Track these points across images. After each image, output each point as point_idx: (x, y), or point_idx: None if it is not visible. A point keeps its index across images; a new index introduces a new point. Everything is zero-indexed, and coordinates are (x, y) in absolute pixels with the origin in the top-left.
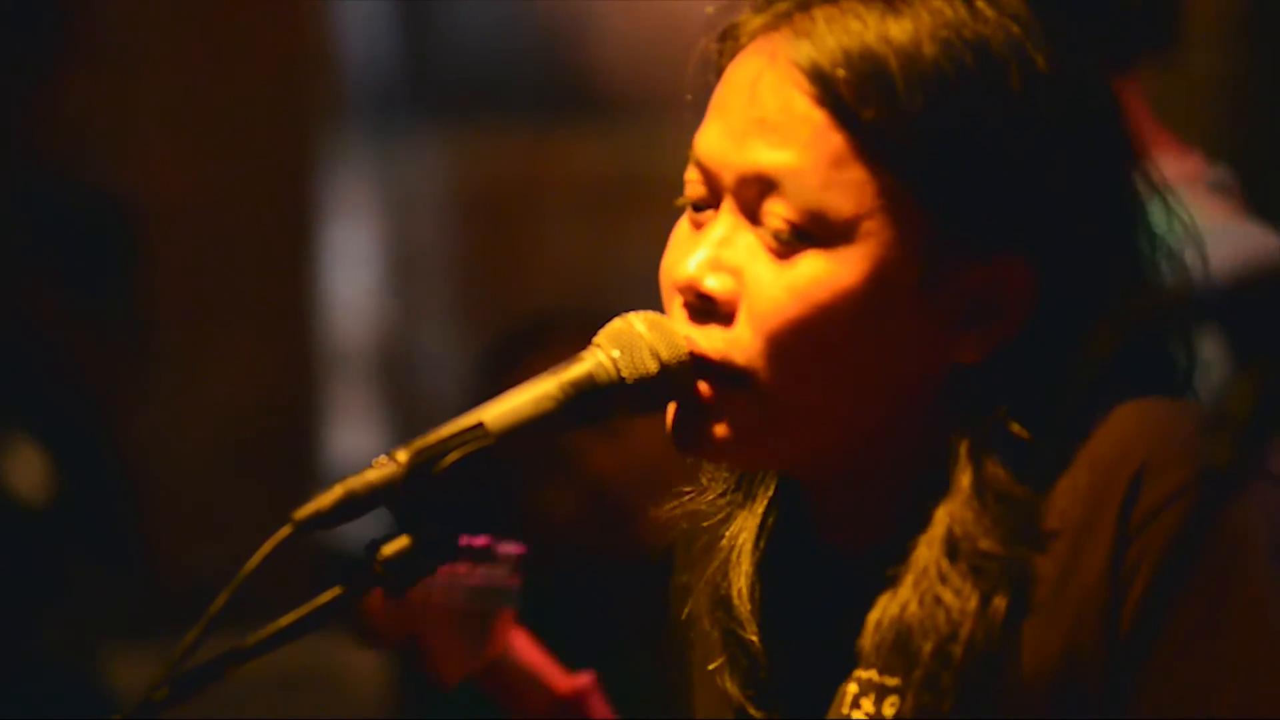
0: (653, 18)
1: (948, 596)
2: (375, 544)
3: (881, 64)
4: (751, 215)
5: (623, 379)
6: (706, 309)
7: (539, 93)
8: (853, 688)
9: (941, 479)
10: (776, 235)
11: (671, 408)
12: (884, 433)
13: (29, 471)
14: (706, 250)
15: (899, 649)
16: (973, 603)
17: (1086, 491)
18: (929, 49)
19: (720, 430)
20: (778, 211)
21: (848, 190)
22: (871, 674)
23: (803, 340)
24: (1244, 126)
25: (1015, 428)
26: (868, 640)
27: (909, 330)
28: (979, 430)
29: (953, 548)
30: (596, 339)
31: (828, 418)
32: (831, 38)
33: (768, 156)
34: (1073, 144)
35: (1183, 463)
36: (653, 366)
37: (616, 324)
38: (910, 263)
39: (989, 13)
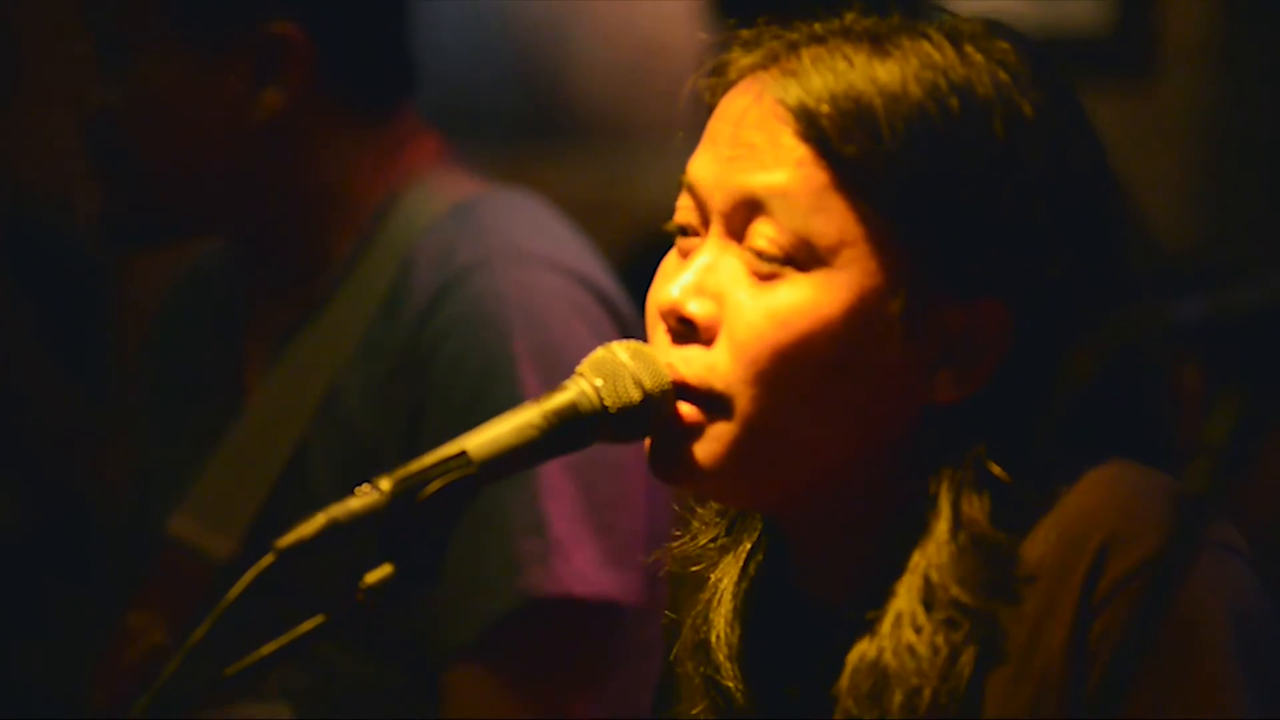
0: (628, 46)
1: (920, 647)
2: (358, 572)
3: (866, 103)
4: (738, 238)
5: (606, 408)
6: (687, 333)
7: (515, 120)
8: None
9: (917, 523)
10: (761, 257)
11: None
12: (858, 470)
13: (3, 504)
14: (691, 275)
15: (873, 696)
16: (942, 655)
17: (1054, 556)
18: (914, 90)
19: (698, 456)
20: (764, 233)
21: (831, 219)
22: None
23: (781, 366)
24: (1219, 152)
25: (993, 469)
26: (845, 684)
27: (886, 364)
28: (955, 472)
29: (929, 595)
30: (579, 368)
31: (803, 449)
32: (818, 78)
33: (757, 179)
34: (1056, 192)
35: (1148, 538)
36: (636, 395)
37: (599, 353)
38: (890, 296)
39: (977, 58)
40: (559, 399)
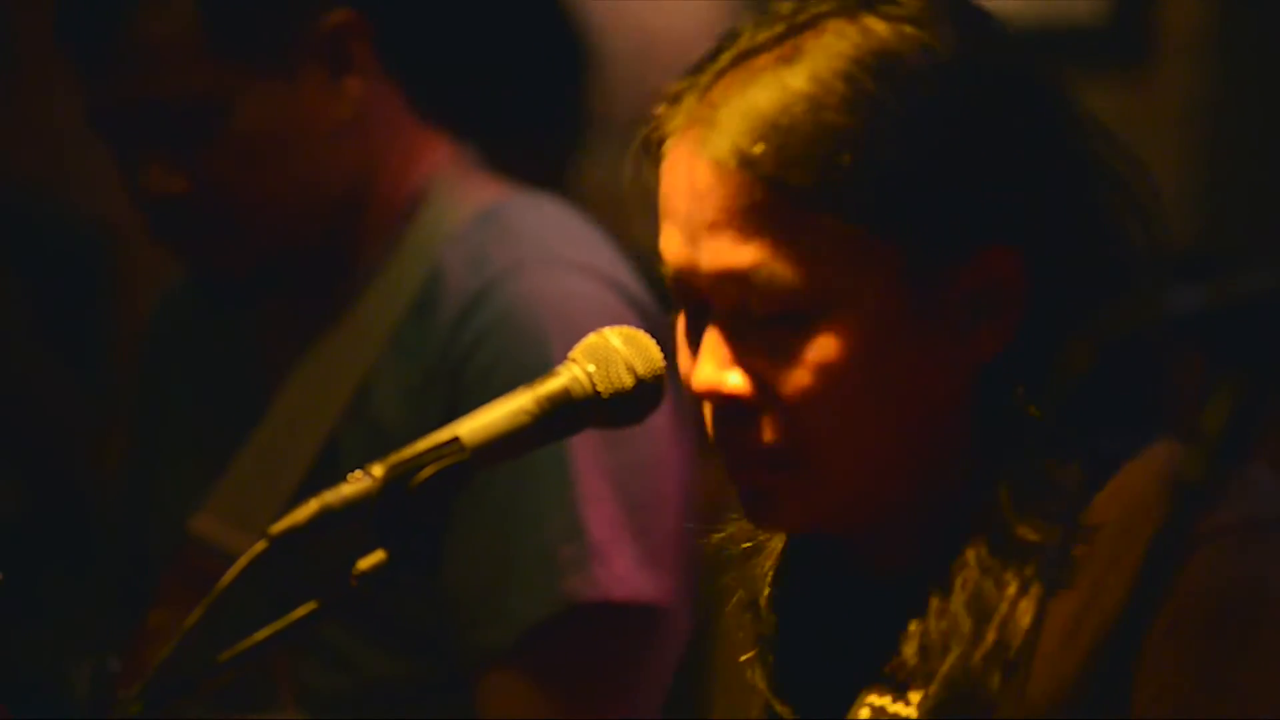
0: (628, 37)
1: (988, 588)
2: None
3: (793, 122)
4: (738, 309)
5: (598, 393)
6: (734, 410)
7: None
8: (875, 693)
9: (975, 493)
10: (768, 322)
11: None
12: (931, 451)
13: (2, 495)
14: (712, 355)
15: (925, 656)
16: (1004, 605)
17: (1113, 530)
18: (834, 86)
19: (788, 511)
20: (759, 301)
21: (814, 257)
22: (894, 681)
23: (835, 414)
24: (1215, 143)
25: (1035, 411)
26: (906, 649)
27: (922, 354)
28: (1012, 440)
29: (995, 544)
30: (572, 354)
31: (880, 463)
32: (735, 118)
33: (727, 260)
34: (1002, 119)
35: (1223, 507)
36: (629, 381)
37: (592, 339)
38: (898, 296)
39: (878, 26)
40: (551, 384)
